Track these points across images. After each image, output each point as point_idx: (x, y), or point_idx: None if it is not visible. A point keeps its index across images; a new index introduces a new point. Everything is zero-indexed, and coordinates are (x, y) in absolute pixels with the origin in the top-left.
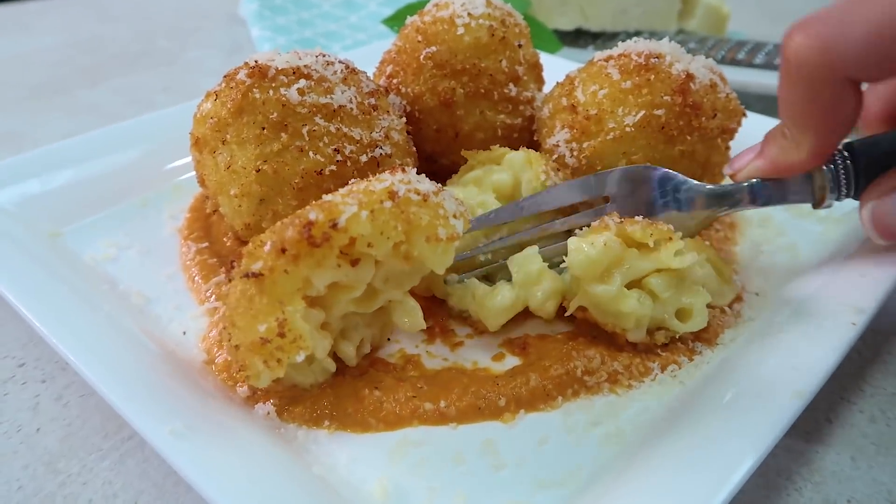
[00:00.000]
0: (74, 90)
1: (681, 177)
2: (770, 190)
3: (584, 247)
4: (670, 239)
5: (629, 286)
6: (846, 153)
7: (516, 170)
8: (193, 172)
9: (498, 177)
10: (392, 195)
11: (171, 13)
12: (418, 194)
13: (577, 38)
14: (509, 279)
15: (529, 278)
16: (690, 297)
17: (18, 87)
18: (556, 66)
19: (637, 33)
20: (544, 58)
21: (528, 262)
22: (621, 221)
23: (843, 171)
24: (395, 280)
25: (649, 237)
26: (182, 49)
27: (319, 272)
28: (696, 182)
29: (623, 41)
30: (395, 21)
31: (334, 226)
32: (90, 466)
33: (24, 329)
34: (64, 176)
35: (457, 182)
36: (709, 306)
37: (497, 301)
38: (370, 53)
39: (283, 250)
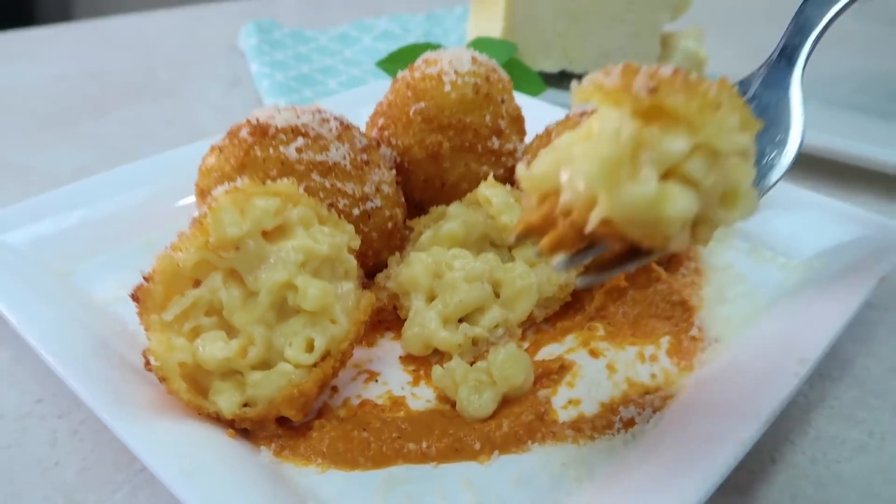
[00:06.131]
0: (81, 122)
1: None
2: None
3: (590, 145)
4: (718, 105)
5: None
6: None
7: (462, 217)
8: (198, 213)
9: (448, 227)
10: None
11: (172, 43)
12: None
13: (560, 80)
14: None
15: (514, 379)
16: (731, 174)
17: (28, 117)
18: (539, 111)
19: None
20: (528, 101)
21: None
22: (654, 88)
23: None
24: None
25: (696, 112)
26: (182, 80)
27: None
28: None
29: None
30: (388, 64)
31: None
32: (104, 499)
33: (40, 365)
34: (75, 216)
35: (412, 250)
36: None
37: (479, 411)
38: (363, 96)
39: (136, 298)
